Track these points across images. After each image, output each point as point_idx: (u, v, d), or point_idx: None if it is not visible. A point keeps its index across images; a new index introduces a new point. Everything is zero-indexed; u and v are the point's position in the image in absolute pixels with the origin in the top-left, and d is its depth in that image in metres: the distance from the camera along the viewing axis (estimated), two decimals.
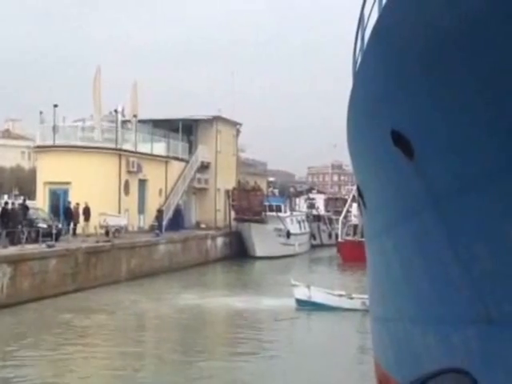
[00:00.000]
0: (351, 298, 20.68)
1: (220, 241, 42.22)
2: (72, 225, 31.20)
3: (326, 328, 18.88)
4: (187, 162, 45.10)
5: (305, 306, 20.68)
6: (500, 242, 4.75)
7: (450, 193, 5.23)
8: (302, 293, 21.05)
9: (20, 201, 31.76)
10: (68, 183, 34.96)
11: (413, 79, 5.03)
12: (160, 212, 38.21)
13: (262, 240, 42.24)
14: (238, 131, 53.75)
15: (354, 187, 40.37)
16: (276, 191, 57.83)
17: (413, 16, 4.66)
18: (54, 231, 26.62)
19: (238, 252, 42.71)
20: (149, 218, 39.63)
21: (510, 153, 4.36)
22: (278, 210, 46.63)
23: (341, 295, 21.16)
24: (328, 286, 23.49)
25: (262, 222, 43.58)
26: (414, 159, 5.50)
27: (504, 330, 4.94)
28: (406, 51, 4.94)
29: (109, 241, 29.30)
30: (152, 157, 40.88)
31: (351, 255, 36.67)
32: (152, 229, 37.36)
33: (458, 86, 4.53)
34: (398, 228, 6.98)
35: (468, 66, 4.34)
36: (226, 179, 48.63)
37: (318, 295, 21.04)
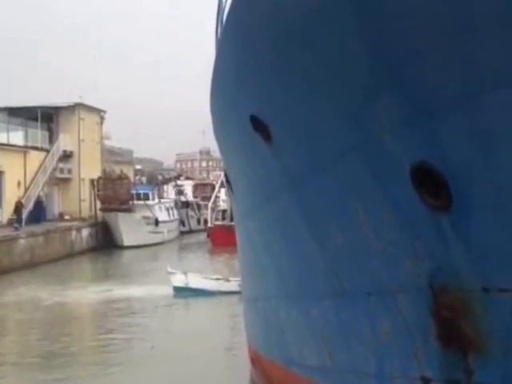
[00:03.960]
0: (228, 281, 21.07)
1: (85, 232, 41.08)
2: None
3: (204, 312, 19.06)
4: (48, 151, 43.35)
5: (182, 292, 20.79)
6: (349, 218, 5.09)
7: (303, 174, 5.52)
8: (179, 280, 21.16)
9: None
10: None
11: (264, 65, 5.23)
12: (19, 205, 36.44)
13: (129, 229, 41.67)
14: (103, 118, 52.39)
15: (222, 173, 40.83)
16: (143, 179, 57.09)
17: (263, 2, 4.84)
18: None
19: (106, 242, 41.84)
20: (7, 212, 37.69)
21: (353, 134, 4.68)
22: (146, 198, 46.19)
23: (218, 279, 21.56)
24: (200, 271, 23.71)
25: (129, 210, 42.97)
26: (272, 143, 5.73)
27: (355, 300, 5.31)
28: (257, 37, 5.12)
29: None
30: (8, 147, 38.80)
31: (221, 239, 37.16)
32: (10, 223, 35.60)
33: (305, 71, 4.77)
34: (261, 211, 7.24)
35: (313, 50, 4.57)
36: (90, 168, 47.29)
37: (196, 281, 21.27)
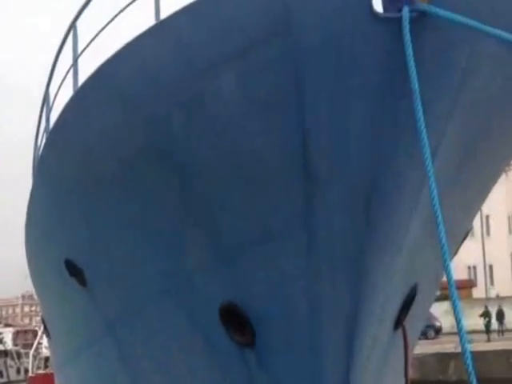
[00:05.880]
0: None
1: None
2: None
3: None
4: None
5: None
6: (164, 357, 5.24)
7: (118, 317, 5.62)
8: None
9: None
10: None
11: (74, 210, 5.42)
12: None
13: None
14: None
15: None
16: None
17: (68, 154, 5.08)
18: None
19: None
20: None
21: (165, 277, 4.94)
22: None
23: None
24: None
25: None
26: (88, 287, 5.79)
27: None
28: (66, 182, 5.32)
29: None
30: None
31: None
32: None
33: (115, 217, 5.03)
34: (79, 356, 7.09)
35: (121, 197, 4.87)
36: None
37: None
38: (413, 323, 5.35)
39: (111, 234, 5.20)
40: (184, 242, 4.70)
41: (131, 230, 4.99)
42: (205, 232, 4.54)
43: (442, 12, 3.50)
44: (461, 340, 3.31)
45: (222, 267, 4.54)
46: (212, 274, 4.63)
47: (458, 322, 3.32)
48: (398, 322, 5.02)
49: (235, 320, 4.57)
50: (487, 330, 29.10)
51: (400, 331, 5.08)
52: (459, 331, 3.38)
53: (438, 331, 29.54)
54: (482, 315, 29.83)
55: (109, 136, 4.58)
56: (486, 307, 30.52)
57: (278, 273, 4.27)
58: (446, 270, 3.42)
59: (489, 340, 28.00)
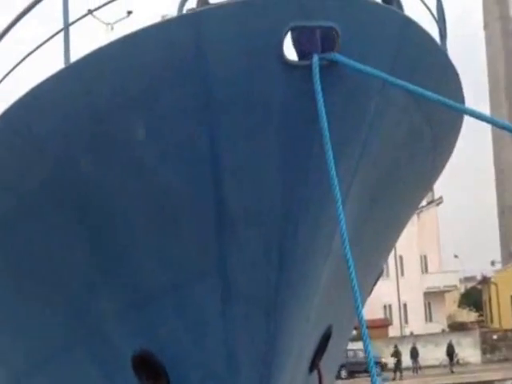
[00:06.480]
0: None
1: None
2: None
3: None
4: None
5: None
6: None
7: (23, 372, 5.41)
8: None
9: None
10: None
11: None
12: None
13: None
14: None
15: None
16: None
17: None
18: None
19: None
20: None
21: (75, 328, 4.79)
22: None
23: None
24: None
25: None
26: None
27: None
28: None
29: None
30: None
31: None
32: None
33: (11, 269, 4.86)
34: None
35: (21, 249, 4.70)
36: None
37: None
38: (328, 364, 5.38)
39: (12, 283, 4.99)
40: (93, 290, 4.57)
41: (34, 279, 4.79)
42: (115, 278, 4.43)
43: (348, 61, 3.64)
44: (372, 379, 3.37)
45: (133, 314, 4.45)
46: (123, 321, 4.52)
47: (369, 361, 3.38)
48: (313, 365, 5.04)
49: (149, 368, 4.47)
50: (396, 368, 29.79)
51: (315, 374, 5.10)
52: (370, 370, 3.45)
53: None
54: (392, 355, 30.49)
55: (12, 181, 4.44)
56: (395, 347, 31.16)
57: (192, 318, 4.22)
58: (357, 309, 3.49)
59: (401, 378, 28.64)
